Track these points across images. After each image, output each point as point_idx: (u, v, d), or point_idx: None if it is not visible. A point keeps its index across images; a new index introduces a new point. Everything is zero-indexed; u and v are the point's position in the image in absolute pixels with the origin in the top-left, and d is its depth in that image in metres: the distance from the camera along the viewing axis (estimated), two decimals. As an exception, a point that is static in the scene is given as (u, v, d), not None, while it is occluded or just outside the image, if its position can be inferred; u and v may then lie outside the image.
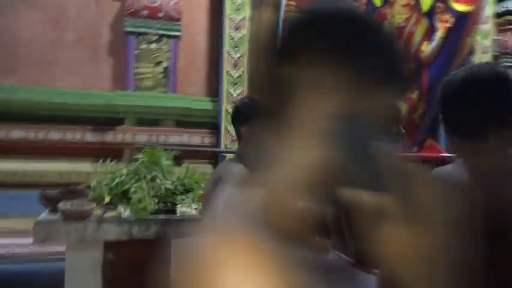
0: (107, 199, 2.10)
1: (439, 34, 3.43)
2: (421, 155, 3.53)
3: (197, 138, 3.17)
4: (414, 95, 3.44)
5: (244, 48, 3.12)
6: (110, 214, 2.02)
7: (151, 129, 3.04)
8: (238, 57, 3.11)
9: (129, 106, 3.01)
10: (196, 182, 2.30)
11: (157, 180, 2.21)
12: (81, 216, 1.91)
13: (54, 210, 2.01)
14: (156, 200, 2.14)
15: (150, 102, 3.04)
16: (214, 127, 3.21)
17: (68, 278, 1.96)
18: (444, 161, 3.65)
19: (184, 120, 3.15)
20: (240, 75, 3.12)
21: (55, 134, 2.94)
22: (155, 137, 3.03)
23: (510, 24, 3.91)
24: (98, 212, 2.00)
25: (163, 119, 3.10)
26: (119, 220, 1.97)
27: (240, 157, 1.52)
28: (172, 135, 3.08)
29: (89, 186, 2.23)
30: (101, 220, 1.95)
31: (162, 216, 2.04)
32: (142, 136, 3.01)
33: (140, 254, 2.02)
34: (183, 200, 2.18)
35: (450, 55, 3.54)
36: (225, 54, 3.09)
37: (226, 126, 3.10)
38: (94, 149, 2.97)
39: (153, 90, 3.08)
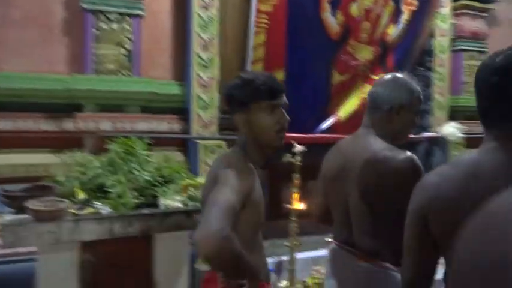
0: (81, 195, 1.91)
1: (404, 17, 3.47)
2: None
3: (165, 125, 2.99)
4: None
5: (215, 28, 2.96)
6: (87, 211, 1.83)
7: (116, 116, 2.82)
8: (209, 39, 2.95)
9: (89, 91, 2.76)
10: (177, 172, 2.16)
11: (135, 172, 2.04)
12: (54, 216, 1.71)
13: (18, 209, 1.79)
14: (136, 194, 1.97)
15: (112, 87, 2.80)
16: (183, 112, 3.04)
17: (41, 283, 1.76)
18: (409, 142, 3.76)
19: (151, 106, 2.95)
20: (211, 58, 2.96)
21: (5, 123, 2.64)
22: (120, 124, 2.81)
23: (465, 8, 4.05)
24: (72, 210, 1.81)
25: (128, 104, 2.88)
26: (99, 218, 1.79)
27: (241, 148, 1.37)
28: (139, 122, 2.88)
29: (55, 181, 2.01)
30: (77, 219, 1.76)
31: (146, 211, 1.89)
32: (105, 123, 2.78)
33: (122, 252, 1.87)
34: (165, 192, 2.03)
35: (414, 38, 3.61)
36: (194, 35, 2.91)
37: (198, 112, 2.95)
38: (51, 139, 2.70)
39: (115, 74, 2.85)
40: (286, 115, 1.35)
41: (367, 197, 1.43)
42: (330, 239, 1.66)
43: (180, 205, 1.97)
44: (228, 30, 3.08)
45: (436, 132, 3.81)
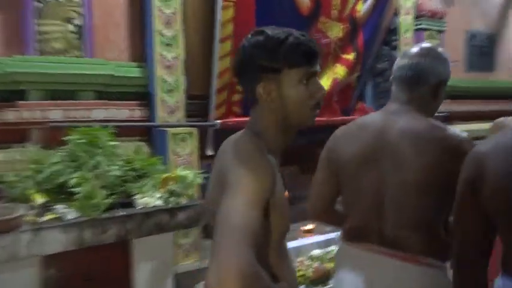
0: (38, 198, 1.57)
1: (372, -7, 3.35)
2: (355, 118, 3.50)
3: (126, 112, 2.64)
4: (351, 57, 3.35)
5: (177, 1, 2.64)
6: (48, 218, 1.50)
7: (67, 103, 2.43)
8: (172, 14, 2.63)
9: (33, 75, 2.35)
10: (151, 165, 1.87)
11: (102, 166, 1.73)
12: (9, 227, 1.37)
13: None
14: (106, 192, 1.66)
15: (60, 70, 2.40)
16: (144, 98, 2.71)
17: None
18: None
19: (108, 91, 2.59)
20: (175, 35, 2.65)
21: None
22: (73, 112, 2.43)
23: (427, -13, 4.03)
24: (29, 217, 1.47)
25: (81, 90, 2.50)
26: (64, 225, 1.47)
27: (255, 133, 1.03)
28: (95, 109, 2.51)
29: (3, 182, 1.65)
30: (37, 228, 1.43)
31: (122, 212, 1.59)
32: (55, 112, 2.39)
33: (95, 263, 1.56)
34: (141, 188, 1.74)
35: (380, 16, 3.51)
36: (155, 10, 2.57)
37: (162, 97, 2.63)
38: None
39: (63, 55, 2.45)
40: (323, 87, 1.06)
41: (427, 181, 1.26)
42: (344, 239, 1.46)
43: (160, 202, 1.70)
44: (191, 4, 2.78)
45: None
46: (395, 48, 3.83)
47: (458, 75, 4.34)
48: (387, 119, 1.37)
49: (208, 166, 2.91)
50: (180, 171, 1.83)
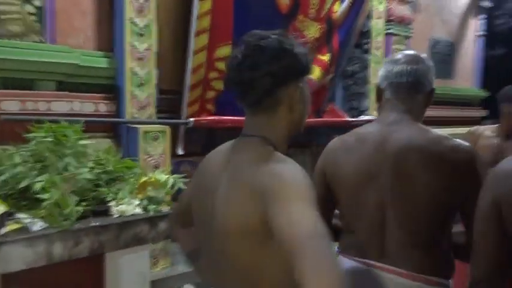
0: (-3, 205, 1.35)
1: (349, -5, 3.31)
2: (328, 120, 3.47)
3: (90, 106, 2.41)
4: (326, 58, 3.29)
5: (152, -11, 2.44)
6: (9, 229, 1.29)
7: (25, 94, 2.17)
8: (144, 1, 2.42)
9: (-16, 60, 2.08)
10: (128, 167, 1.69)
11: (70, 169, 1.53)
12: (-37, 241, 1.16)
13: None
14: (76, 199, 1.47)
15: (17, 55, 2.14)
16: (111, 91, 2.49)
17: None
18: (349, 125, 3.67)
19: (71, 82, 2.35)
20: (148, 25, 2.44)
21: None
22: (31, 104, 2.18)
23: (397, -8, 4.07)
24: (-14, 228, 1.26)
25: (40, 79, 2.24)
26: (30, 238, 1.27)
27: (266, 139, 0.97)
28: (56, 102, 2.26)
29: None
30: (-3, 241, 1.22)
31: (97, 223, 1.40)
32: (10, 103, 2.12)
33: (65, 280, 1.37)
34: (116, 194, 1.56)
35: (355, 19, 3.49)
36: (126, -4, 2.36)
37: (133, 90, 2.43)
38: None
39: (21, 39, 2.19)
40: None
41: (433, 197, 1.19)
42: (343, 253, 1.37)
43: (139, 210, 1.53)
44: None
45: (373, 115, 3.78)
46: (366, 51, 3.84)
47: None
48: (388, 130, 1.30)
49: (178, 164, 2.75)
50: (159, 175, 1.66)
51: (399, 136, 1.26)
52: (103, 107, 2.46)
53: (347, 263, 1.34)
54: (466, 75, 5.34)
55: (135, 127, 2.33)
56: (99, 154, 1.71)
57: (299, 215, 0.75)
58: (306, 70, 1.00)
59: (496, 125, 2.48)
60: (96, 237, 1.37)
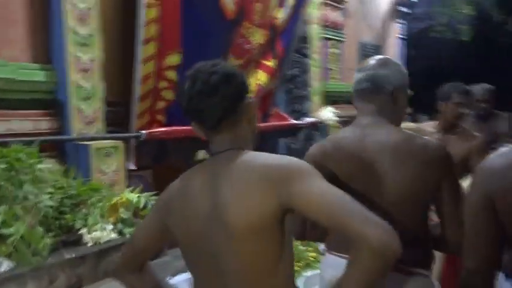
0: None
1: (290, 1, 3.37)
2: (276, 124, 3.51)
3: (29, 124, 2.19)
4: (271, 63, 3.32)
5: (94, -4, 2.28)
6: (-31, 273, 1.11)
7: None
8: (86, 9, 2.25)
9: None
10: (93, 189, 1.54)
11: (31, 197, 1.36)
12: None
13: None
14: (41, 229, 1.31)
15: None
16: (51, 106, 2.28)
17: None
18: (296, 128, 3.74)
19: (6, 98, 2.11)
20: (91, 34, 2.27)
21: None
22: (-39, 125, 1.92)
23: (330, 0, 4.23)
24: None
25: (-30, 96, 1.99)
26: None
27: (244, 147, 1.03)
28: (-9, 121, 2.02)
29: None
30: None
31: (71, 255, 1.26)
32: None
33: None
34: (85, 220, 1.42)
35: (295, 24, 3.56)
36: (66, 5, 2.18)
37: (78, 105, 2.24)
38: None
39: None
40: None
41: (409, 193, 1.24)
42: (329, 250, 1.39)
43: (114, 235, 1.40)
44: (107, 0, 2.43)
45: (315, 117, 3.88)
46: (305, 55, 3.94)
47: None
48: (364, 133, 1.35)
49: (138, 179, 2.59)
50: (128, 195, 1.54)
51: (374, 138, 1.31)
52: (45, 124, 2.24)
53: (333, 259, 1.36)
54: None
55: (85, 144, 2.15)
56: (56, 177, 1.54)
57: (325, 185, 0.88)
58: (248, 85, 1.07)
59: (434, 122, 2.67)
60: (73, 270, 1.23)
